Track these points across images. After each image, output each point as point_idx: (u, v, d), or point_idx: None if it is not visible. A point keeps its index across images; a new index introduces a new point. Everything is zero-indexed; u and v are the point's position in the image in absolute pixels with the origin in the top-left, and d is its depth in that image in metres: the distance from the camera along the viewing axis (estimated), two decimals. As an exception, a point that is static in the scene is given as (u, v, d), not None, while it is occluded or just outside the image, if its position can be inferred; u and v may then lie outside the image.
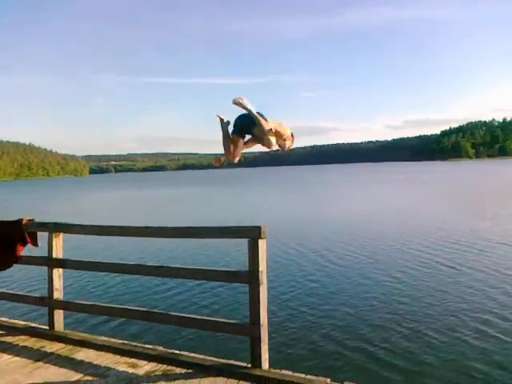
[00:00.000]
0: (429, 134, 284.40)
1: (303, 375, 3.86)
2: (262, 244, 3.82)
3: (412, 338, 6.81)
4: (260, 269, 3.80)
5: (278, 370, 3.92)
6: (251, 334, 3.92)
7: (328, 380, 3.79)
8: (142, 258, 13.22)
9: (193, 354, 4.31)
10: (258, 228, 3.76)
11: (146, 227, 4.68)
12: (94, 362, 4.26)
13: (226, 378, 3.82)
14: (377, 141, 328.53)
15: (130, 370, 4.07)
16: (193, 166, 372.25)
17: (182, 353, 4.34)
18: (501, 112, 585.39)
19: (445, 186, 44.90)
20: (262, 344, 3.87)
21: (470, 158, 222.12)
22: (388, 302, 8.49)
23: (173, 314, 4.72)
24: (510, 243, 13.95)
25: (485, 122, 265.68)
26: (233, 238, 4.20)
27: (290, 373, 3.90)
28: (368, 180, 64.59)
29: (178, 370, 4.03)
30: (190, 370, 4.01)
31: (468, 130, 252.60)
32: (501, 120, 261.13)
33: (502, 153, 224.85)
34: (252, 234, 3.81)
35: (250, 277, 3.85)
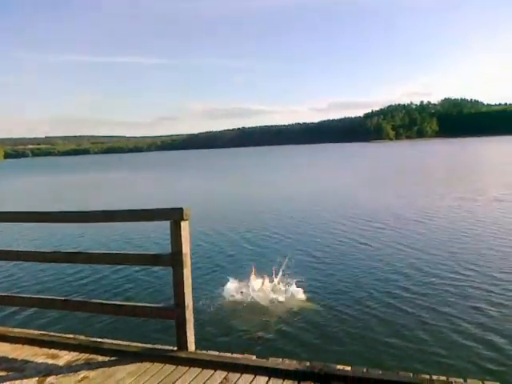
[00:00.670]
0: (353, 116, 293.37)
1: (229, 354, 3.90)
2: (185, 226, 3.76)
3: (331, 313, 7.12)
4: (183, 251, 3.75)
5: (204, 351, 3.93)
6: (176, 317, 3.88)
7: (253, 357, 3.85)
8: (61, 245, 12.65)
9: (117, 341, 4.21)
10: (180, 210, 3.69)
11: (64, 212, 4.46)
12: (10, 356, 4.03)
13: (151, 363, 3.77)
14: (304, 123, 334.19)
15: (50, 361, 3.90)
16: (119, 150, 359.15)
17: (105, 340, 4.22)
18: (418, 96, 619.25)
19: (369, 167, 47.04)
20: (187, 326, 3.85)
21: (390, 139, 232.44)
22: (311, 278, 8.74)
23: (95, 301, 4.56)
24: (421, 219, 14.90)
25: (404, 105, 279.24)
26: (155, 220, 4.11)
27: (216, 353, 3.92)
28: (296, 162, 65.91)
29: (101, 358, 3.92)
30: (114, 358, 3.92)
31: (389, 113, 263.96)
32: (418, 103, 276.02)
33: (420, 134, 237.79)
34: (174, 216, 3.73)
35: (173, 259, 3.79)
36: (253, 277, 8.23)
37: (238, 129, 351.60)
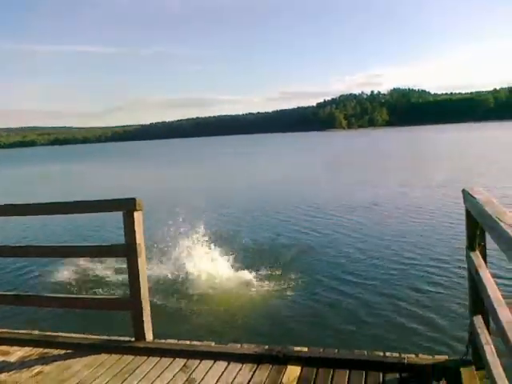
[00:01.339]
0: (305, 105, 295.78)
1: (188, 342, 3.91)
2: (138, 216, 3.73)
3: (287, 298, 7.29)
4: (137, 241, 3.72)
5: (162, 340, 3.92)
6: (132, 308, 3.85)
7: (212, 343, 3.89)
8: (6, 239, 12.16)
9: (72, 335, 4.14)
10: (133, 200, 3.67)
11: (10, 205, 4.31)
12: (-43, 356, 3.87)
13: (108, 354, 3.73)
14: (258, 112, 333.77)
15: (1, 358, 3.78)
16: (66, 141, 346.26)
17: (60, 334, 4.14)
18: (369, 86, 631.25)
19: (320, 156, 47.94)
20: (144, 316, 3.83)
21: (343, 128, 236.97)
22: (267, 265, 8.84)
23: (48, 295, 4.47)
24: (368, 206, 15.40)
25: (355, 94, 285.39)
26: (107, 211, 4.05)
27: (175, 341, 3.93)
28: (247, 152, 66.06)
29: (56, 352, 3.84)
30: (69, 351, 3.85)
31: (341, 103, 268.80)
32: (369, 93, 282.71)
33: (371, 123, 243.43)
34: (126, 207, 3.70)
35: (127, 250, 3.76)
36: (208, 264, 8.27)
37: (193, 119, 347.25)
